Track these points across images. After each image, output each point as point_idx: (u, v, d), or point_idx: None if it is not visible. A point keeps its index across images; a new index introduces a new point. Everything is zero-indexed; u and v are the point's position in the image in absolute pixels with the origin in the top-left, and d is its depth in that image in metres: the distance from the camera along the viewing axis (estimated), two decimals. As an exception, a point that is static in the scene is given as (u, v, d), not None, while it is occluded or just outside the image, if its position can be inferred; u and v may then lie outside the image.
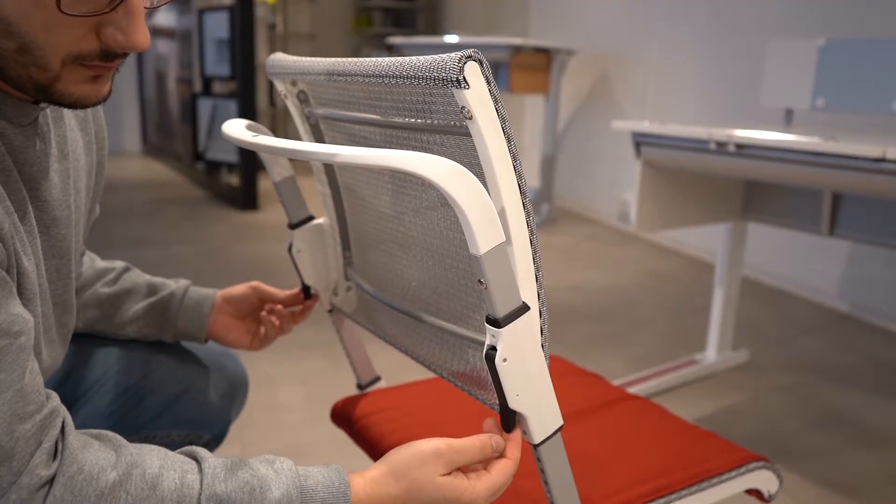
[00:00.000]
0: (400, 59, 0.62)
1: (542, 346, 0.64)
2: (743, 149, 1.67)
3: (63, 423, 0.60)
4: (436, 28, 6.96)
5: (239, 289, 1.05)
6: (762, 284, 3.36)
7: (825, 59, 2.31)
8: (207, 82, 5.03)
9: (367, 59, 0.68)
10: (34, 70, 0.59)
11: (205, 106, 5.01)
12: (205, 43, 4.86)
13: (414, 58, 0.60)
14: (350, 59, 0.71)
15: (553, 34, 5.02)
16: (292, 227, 0.99)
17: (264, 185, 4.99)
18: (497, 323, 0.60)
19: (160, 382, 1.02)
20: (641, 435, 1.00)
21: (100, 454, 0.59)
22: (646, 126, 1.89)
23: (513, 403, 0.63)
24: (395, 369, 2.06)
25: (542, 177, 4.48)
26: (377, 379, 1.14)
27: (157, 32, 6.18)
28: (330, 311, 1.05)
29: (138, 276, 1.05)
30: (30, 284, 0.64)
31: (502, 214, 0.60)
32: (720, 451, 0.94)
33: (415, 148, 0.72)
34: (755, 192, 2.23)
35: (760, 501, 0.95)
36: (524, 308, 0.61)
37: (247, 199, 4.63)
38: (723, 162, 1.74)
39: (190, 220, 4.32)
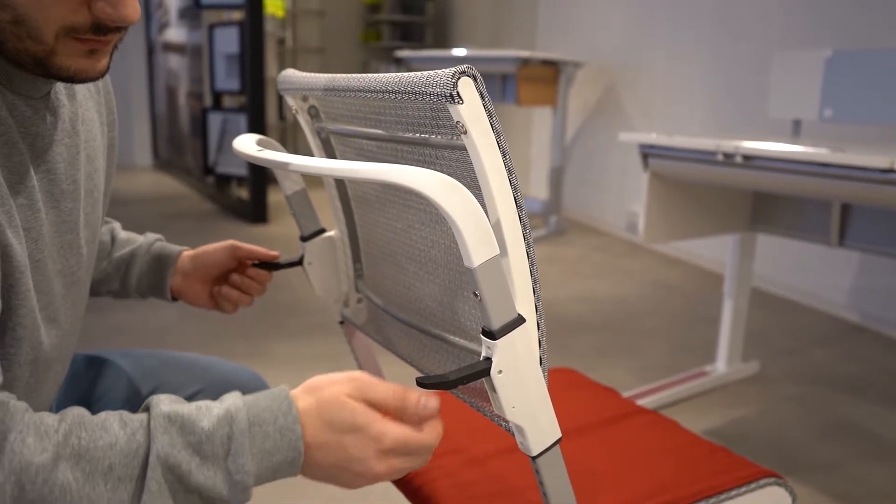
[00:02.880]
0: (397, 74, 0.63)
1: (540, 358, 0.64)
2: (750, 160, 1.66)
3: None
4: (444, 41, 7.00)
5: (213, 254, 1.02)
6: (772, 295, 3.34)
7: (832, 71, 2.31)
8: (217, 97, 5.07)
9: (367, 74, 0.69)
10: (30, 42, 0.60)
11: (215, 120, 5.05)
12: (215, 58, 4.90)
13: (410, 73, 0.61)
14: (350, 75, 0.72)
15: (560, 46, 5.04)
16: (304, 239, 1.00)
17: (274, 198, 5.02)
18: (492, 335, 0.60)
19: None
20: (651, 449, 0.99)
21: (45, 419, 0.58)
22: (653, 138, 1.89)
23: (509, 415, 0.63)
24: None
25: (550, 188, 4.48)
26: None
27: (167, 48, 6.24)
28: (341, 323, 1.06)
29: (104, 235, 1.04)
30: (17, 259, 0.63)
31: (498, 228, 0.60)
32: (731, 467, 0.94)
33: (419, 163, 0.73)
34: (763, 202, 2.22)
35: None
36: (520, 320, 0.61)
37: (256, 212, 4.66)
38: (730, 173, 1.74)
39: (200, 233, 4.35)
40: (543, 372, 0.64)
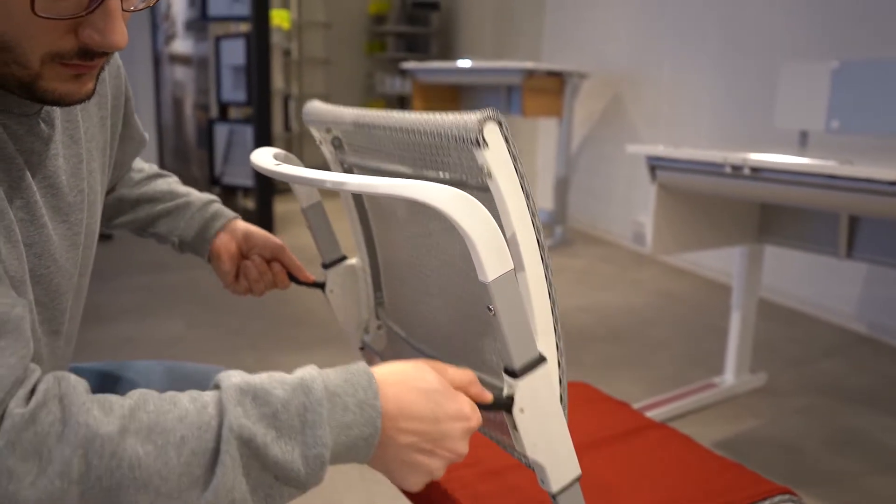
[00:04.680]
0: (424, 115, 0.64)
1: (561, 396, 0.65)
2: (758, 172, 1.67)
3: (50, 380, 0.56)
4: (449, 53, 7.01)
5: (262, 237, 1.06)
6: (779, 306, 3.34)
7: (839, 82, 2.31)
8: (224, 108, 5.09)
9: (394, 112, 0.70)
10: (15, 67, 0.59)
11: (221, 131, 5.07)
12: (221, 69, 4.93)
13: (437, 116, 0.62)
14: (377, 112, 0.73)
15: (565, 57, 5.04)
16: (326, 266, 1.03)
17: (280, 209, 5.03)
18: (514, 373, 0.61)
19: None
20: (665, 464, 0.99)
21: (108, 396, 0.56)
22: (660, 150, 1.90)
23: (530, 452, 0.64)
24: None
25: (555, 199, 4.49)
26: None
27: (174, 59, 6.26)
28: (361, 349, 1.07)
29: (167, 185, 1.08)
30: (12, 272, 0.62)
31: (521, 268, 0.61)
32: (745, 483, 0.94)
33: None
34: (771, 214, 2.23)
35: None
36: (541, 359, 0.62)
37: (263, 223, 4.66)
38: (738, 185, 1.74)
39: (207, 244, 4.35)
40: (564, 410, 0.65)
